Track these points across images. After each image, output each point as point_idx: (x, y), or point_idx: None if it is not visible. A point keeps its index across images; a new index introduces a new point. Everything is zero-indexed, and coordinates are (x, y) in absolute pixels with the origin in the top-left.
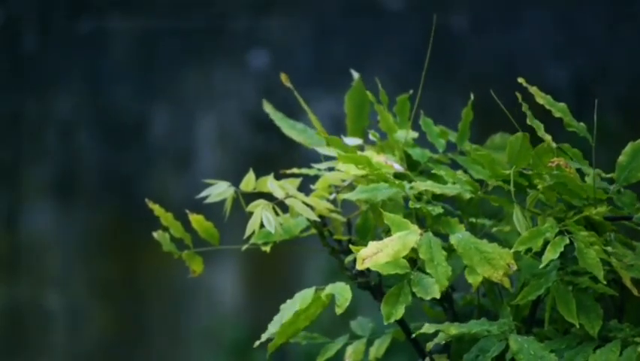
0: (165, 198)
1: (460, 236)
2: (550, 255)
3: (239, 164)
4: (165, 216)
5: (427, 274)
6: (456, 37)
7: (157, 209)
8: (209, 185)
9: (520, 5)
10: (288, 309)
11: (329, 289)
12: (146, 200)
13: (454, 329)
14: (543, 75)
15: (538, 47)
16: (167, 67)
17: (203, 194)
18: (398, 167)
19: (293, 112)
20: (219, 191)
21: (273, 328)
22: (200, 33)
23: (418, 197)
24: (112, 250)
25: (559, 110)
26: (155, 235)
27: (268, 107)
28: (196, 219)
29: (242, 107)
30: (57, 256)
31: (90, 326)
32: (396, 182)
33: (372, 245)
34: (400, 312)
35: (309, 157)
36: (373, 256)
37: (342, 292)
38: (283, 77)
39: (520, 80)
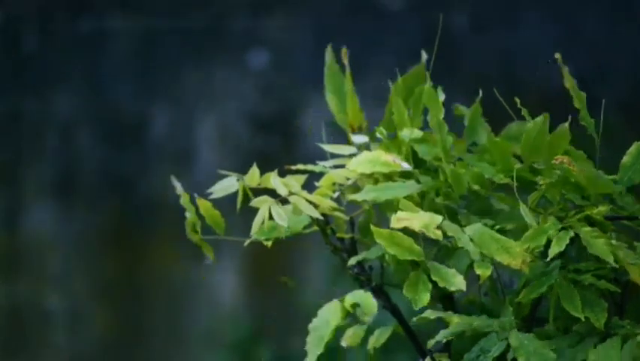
0: (165, 197)
1: (475, 227)
2: (556, 248)
3: (239, 164)
4: (184, 195)
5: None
6: (456, 37)
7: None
8: (221, 177)
9: (520, 5)
10: (321, 328)
11: (350, 298)
12: (171, 177)
13: (456, 319)
14: (543, 75)
15: (538, 46)
16: (167, 67)
17: (212, 189)
18: (406, 165)
19: (293, 111)
20: (226, 185)
21: (312, 356)
22: (200, 33)
23: (422, 196)
24: (112, 250)
25: (579, 99)
26: (187, 214)
27: (329, 55)
28: (204, 206)
29: (242, 107)
30: (57, 255)
31: (90, 326)
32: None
33: (404, 213)
34: (425, 299)
35: (309, 157)
36: (407, 220)
37: (365, 301)
38: (343, 52)
39: (550, 60)
